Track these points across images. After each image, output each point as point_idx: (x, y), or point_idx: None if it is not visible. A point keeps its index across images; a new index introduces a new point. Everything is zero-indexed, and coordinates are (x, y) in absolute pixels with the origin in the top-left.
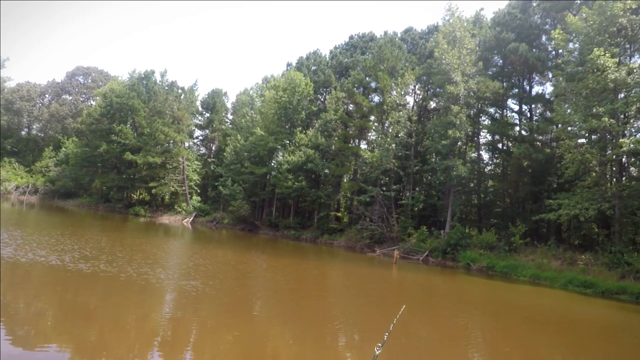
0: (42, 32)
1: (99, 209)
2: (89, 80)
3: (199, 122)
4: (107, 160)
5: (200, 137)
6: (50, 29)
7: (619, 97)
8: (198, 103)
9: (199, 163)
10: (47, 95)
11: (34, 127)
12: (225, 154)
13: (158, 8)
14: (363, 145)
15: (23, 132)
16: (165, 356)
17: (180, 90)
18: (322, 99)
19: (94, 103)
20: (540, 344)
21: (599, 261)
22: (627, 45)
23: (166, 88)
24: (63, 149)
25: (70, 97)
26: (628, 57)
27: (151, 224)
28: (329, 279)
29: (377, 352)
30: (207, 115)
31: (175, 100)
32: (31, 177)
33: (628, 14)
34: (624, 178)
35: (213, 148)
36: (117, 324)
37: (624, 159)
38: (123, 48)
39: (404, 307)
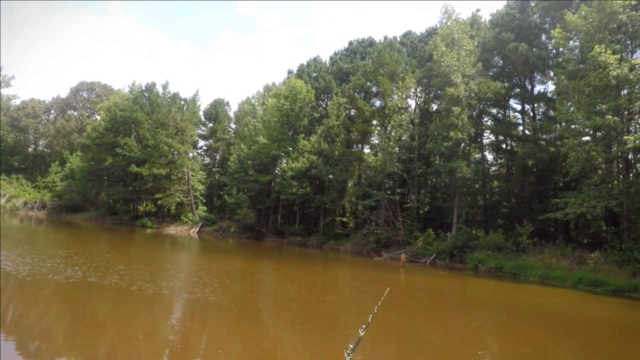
0: (44, 49)
1: (106, 221)
2: (93, 95)
3: (203, 132)
4: (112, 174)
5: (204, 147)
6: (53, 46)
7: (622, 94)
8: (201, 113)
9: (204, 173)
10: (52, 112)
11: (40, 143)
12: (229, 163)
13: (156, 15)
14: (366, 150)
15: (30, 149)
16: None
17: (182, 102)
18: (323, 105)
19: (98, 117)
20: (555, 345)
21: (609, 259)
22: (628, 42)
23: (169, 100)
24: (68, 163)
25: (76, 113)
26: (630, 54)
27: (158, 235)
28: (338, 285)
29: (361, 334)
30: (210, 125)
31: (178, 112)
32: (38, 192)
33: (628, 10)
34: (630, 175)
35: (217, 157)
36: (127, 336)
37: (629, 156)
38: (122, 60)
39: (388, 289)
